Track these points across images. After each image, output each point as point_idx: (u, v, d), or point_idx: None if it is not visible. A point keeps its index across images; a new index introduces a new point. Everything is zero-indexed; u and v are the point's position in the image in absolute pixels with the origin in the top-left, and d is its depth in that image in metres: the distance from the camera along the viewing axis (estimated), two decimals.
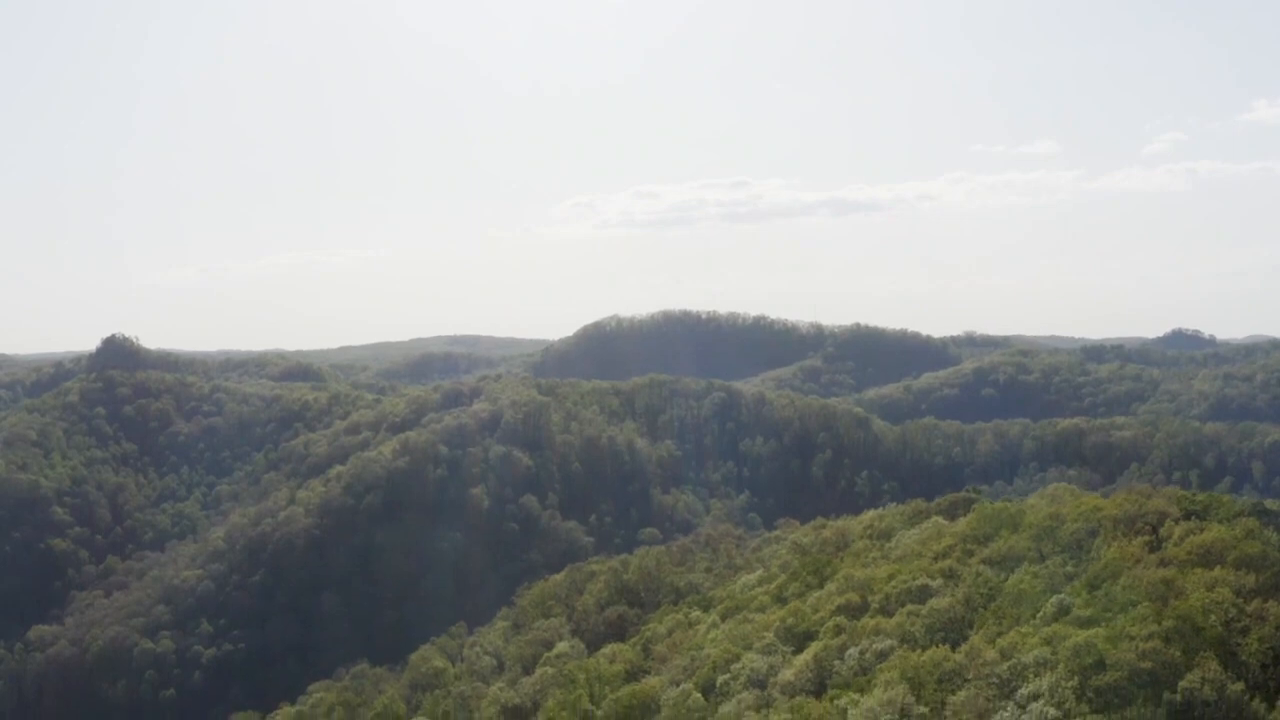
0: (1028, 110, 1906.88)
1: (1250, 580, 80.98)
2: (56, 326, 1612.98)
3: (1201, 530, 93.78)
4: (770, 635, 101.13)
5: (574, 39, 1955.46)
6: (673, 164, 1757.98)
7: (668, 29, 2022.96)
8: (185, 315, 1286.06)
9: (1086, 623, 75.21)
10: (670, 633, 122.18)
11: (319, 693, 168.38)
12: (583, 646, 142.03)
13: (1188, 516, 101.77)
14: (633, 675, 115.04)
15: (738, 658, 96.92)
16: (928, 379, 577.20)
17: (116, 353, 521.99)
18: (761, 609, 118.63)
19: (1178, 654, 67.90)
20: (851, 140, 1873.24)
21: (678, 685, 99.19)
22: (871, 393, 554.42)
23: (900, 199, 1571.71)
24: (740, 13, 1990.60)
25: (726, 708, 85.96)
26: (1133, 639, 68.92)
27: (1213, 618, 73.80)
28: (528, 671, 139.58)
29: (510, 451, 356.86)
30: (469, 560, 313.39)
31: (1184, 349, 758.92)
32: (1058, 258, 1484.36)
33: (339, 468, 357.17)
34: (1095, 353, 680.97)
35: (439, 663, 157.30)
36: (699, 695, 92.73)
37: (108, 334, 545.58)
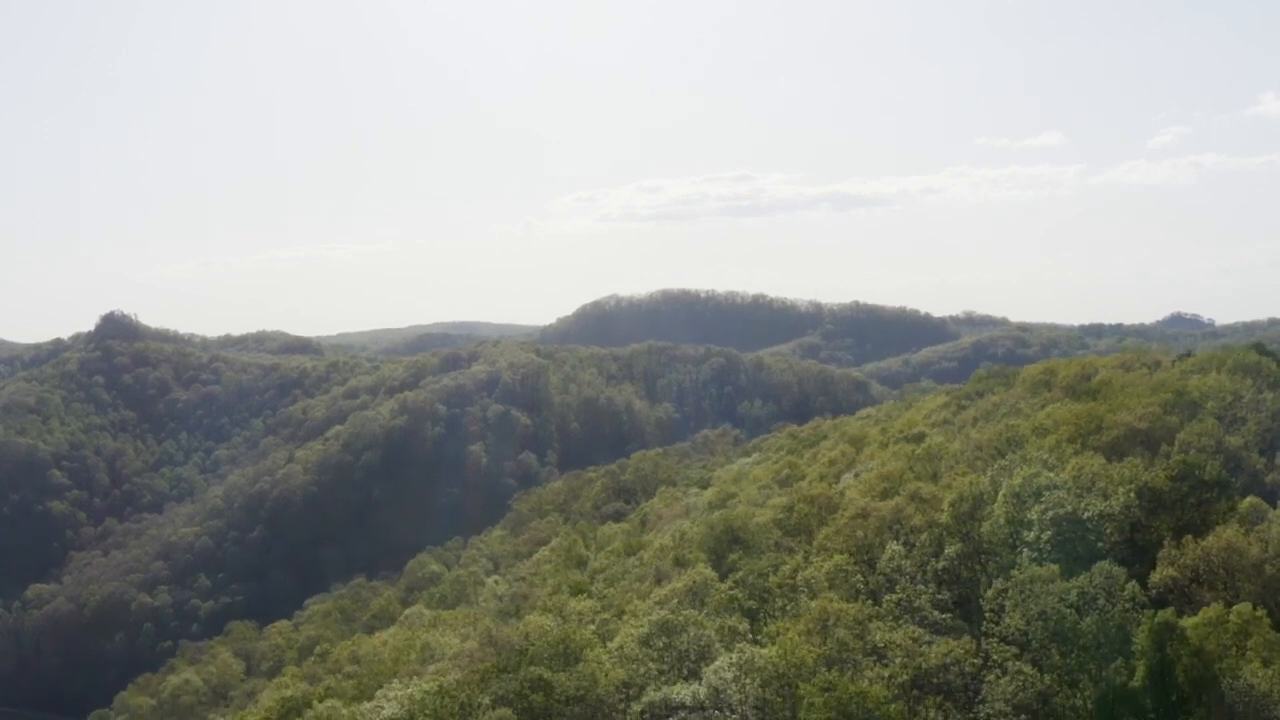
0: (1032, 103, 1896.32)
1: (1248, 384, 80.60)
2: (55, 322, 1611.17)
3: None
4: (766, 480, 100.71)
5: (579, 37, 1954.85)
6: (676, 159, 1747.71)
7: (672, 26, 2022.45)
8: (185, 311, 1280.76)
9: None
10: (667, 506, 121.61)
11: (316, 605, 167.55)
12: None
13: (1184, 358, 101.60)
14: (630, 539, 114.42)
15: (734, 495, 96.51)
16: (926, 353, 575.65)
17: (115, 328, 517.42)
18: (757, 480, 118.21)
19: (1176, 421, 67.45)
20: (854, 135, 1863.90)
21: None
22: (870, 366, 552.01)
23: (903, 193, 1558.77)
24: (743, 10, 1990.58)
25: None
26: (1130, 410, 68.45)
27: (1210, 402, 73.35)
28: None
29: (509, 411, 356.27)
30: (467, 514, 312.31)
31: (1183, 329, 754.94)
32: (1060, 253, 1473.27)
33: (337, 427, 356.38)
34: (1094, 331, 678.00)
35: (435, 567, 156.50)
36: (692, 526, 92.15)
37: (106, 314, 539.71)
